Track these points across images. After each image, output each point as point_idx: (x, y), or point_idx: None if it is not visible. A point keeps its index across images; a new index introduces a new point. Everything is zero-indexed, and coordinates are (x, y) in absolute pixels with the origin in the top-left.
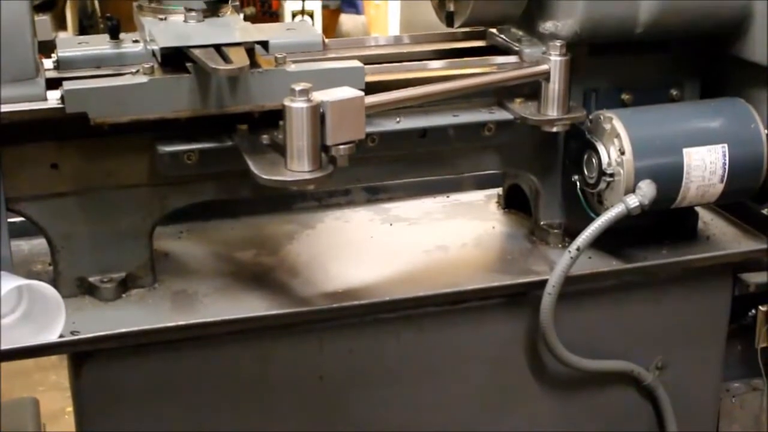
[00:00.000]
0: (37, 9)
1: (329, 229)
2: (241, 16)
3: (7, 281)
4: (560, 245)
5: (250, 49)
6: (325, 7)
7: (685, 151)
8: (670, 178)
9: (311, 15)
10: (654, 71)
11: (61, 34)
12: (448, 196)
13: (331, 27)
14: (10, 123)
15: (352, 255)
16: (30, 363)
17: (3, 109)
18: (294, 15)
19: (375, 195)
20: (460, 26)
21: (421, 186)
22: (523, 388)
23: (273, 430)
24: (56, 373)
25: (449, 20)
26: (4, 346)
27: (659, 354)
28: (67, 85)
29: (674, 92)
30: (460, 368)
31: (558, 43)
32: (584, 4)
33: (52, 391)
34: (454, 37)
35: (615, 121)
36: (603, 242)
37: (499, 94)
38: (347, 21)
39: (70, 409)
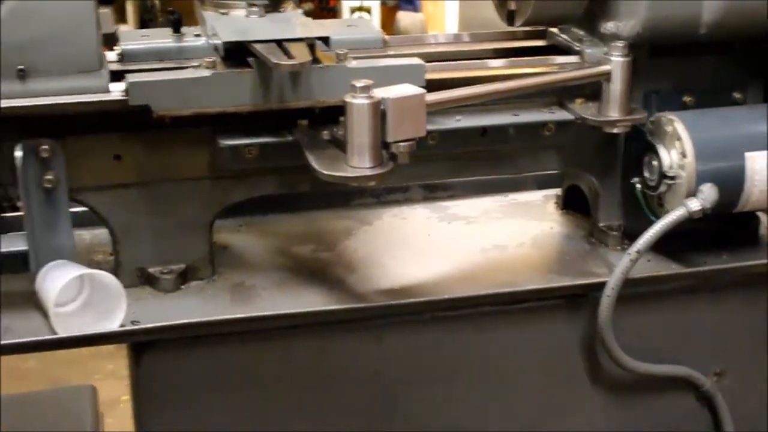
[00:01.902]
0: (99, 2)
1: (387, 226)
2: (300, 11)
3: (70, 270)
4: (619, 247)
5: (311, 44)
6: (383, 4)
7: (747, 155)
8: (732, 182)
9: (369, 11)
10: (717, 73)
11: (122, 27)
12: (506, 196)
13: (388, 24)
14: (75, 114)
15: (410, 252)
16: (87, 351)
17: (68, 101)
18: (352, 11)
19: (433, 193)
20: (521, 25)
21: (480, 185)
22: (579, 390)
23: (329, 425)
24: (113, 362)
25: (510, 19)
26: (66, 334)
27: (718, 360)
28: (131, 78)
29: (737, 95)
30: (516, 368)
31: (620, 43)
32: (647, 4)
33: (109, 379)
34: (514, 36)
35: (677, 124)
36: (662, 245)
37: (559, 94)
38: (405, 18)
39: (125, 397)
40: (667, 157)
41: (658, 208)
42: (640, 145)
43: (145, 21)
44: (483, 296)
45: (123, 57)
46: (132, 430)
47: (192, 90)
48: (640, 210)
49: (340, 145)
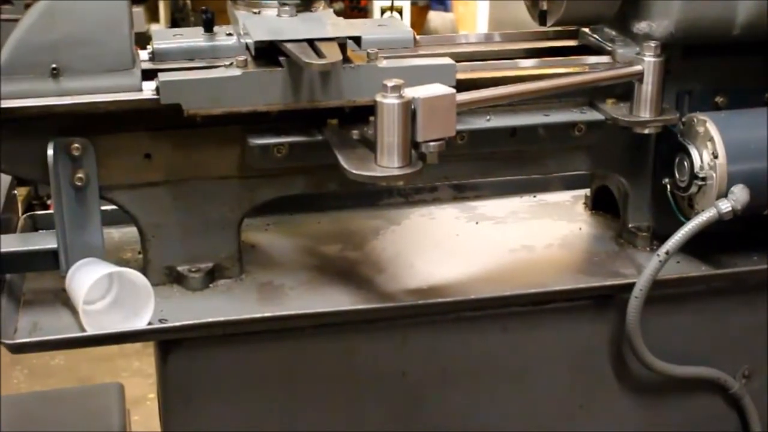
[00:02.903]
0: (132, 1)
1: (415, 226)
2: (331, 11)
3: (99, 268)
4: (648, 248)
5: (342, 44)
6: (413, 4)
7: None
8: (763, 184)
9: (400, 11)
10: (750, 73)
11: (153, 26)
12: (534, 196)
13: (419, 24)
14: (106, 113)
15: (438, 252)
16: (114, 349)
17: (101, 99)
18: (383, 11)
19: (461, 193)
20: (553, 25)
21: (508, 185)
22: (606, 391)
23: (354, 424)
24: (139, 360)
25: (542, 19)
26: (94, 332)
27: (746, 362)
28: (163, 77)
29: None
30: (543, 369)
31: (652, 43)
32: (680, 4)
33: (136, 377)
34: (545, 36)
35: (709, 124)
36: (692, 246)
37: (590, 94)
38: (435, 18)
39: (152, 395)
40: (699, 157)
41: (688, 209)
42: (671, 145)
43: (177, 20)
44: (510, 297)
45: (155, 56)
46: (158, 429)
47: (223, 89)
48: (669, 211)
49: (369, 144)
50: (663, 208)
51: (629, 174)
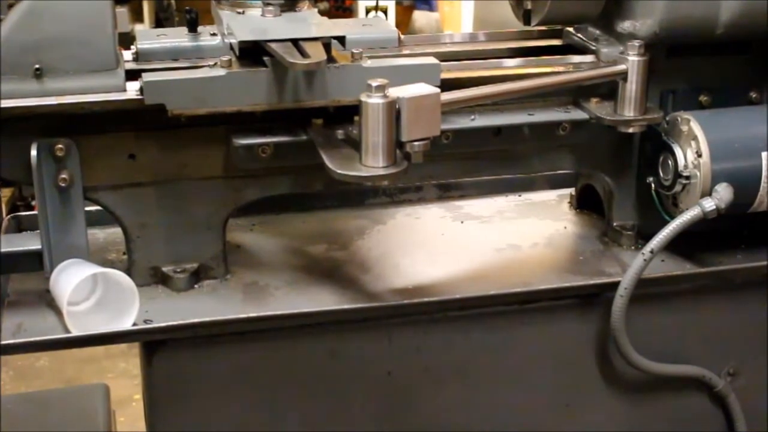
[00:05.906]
0: (115, 1)
1: (400, 225)
2: (315, 11)
3: (84, 269)
4: (633, 247)
5: (326, 44)
6: (398, 4)
7: (763, 154)
8: (747, 182)
9: (385, 11)
10: (733, 73)
11: (137, 27)
12: (520, 195)
13: (404, 23)
14: (90, 113)
15: (423, 252)
16: (100, 350)
17: (84, 100)
18: (368, 11)
19: (447, 192)
20: (537, 24)
21: (493, 184)
22: (591, 390)
23: (340, 424)
24: (125, 361)
25: (526, 18)
26: (79, 333)
27: (732, 360)
28: (147, 77)
29: (754, 95)
30: (528, 368)
31: (636, 43)
32: (664, 4)
33: (121, 378)
34: (530, 35)
35: (692, 123)
36: (677, 245)
37: (575, 93)
38: (420, 18)
39: (138, 396)
40: (683, 156)
41: (672, 208)
42: (655, 144)
43: (161, 20)
44: (496, 296)
45: (138, 56)
46: (144, 430)
47: (207, 89)
48: (654, 210)
49: (354, 144)
50: (647, 207)
51: (614, 173)
